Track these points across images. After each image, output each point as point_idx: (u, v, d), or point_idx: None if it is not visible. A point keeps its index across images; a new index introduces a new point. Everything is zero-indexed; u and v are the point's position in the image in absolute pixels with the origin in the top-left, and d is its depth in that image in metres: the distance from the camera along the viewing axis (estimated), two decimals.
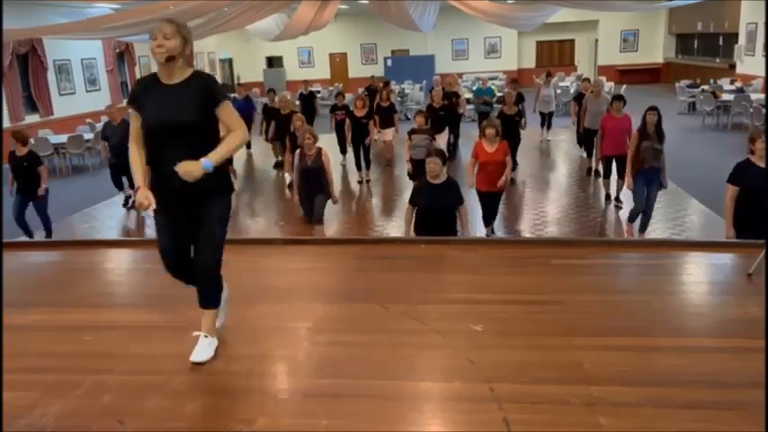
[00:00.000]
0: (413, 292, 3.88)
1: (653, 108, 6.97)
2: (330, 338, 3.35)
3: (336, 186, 7.72)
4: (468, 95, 16.63)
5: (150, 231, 8.30)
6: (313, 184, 6.84)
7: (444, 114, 10.99)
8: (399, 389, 2.80)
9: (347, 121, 10.89)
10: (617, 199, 8.68)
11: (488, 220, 7.34)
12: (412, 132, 8.74)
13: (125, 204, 9.74)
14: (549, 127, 13.86)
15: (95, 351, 3.29)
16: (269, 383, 2.96)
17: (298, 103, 14.79)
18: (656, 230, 7.44)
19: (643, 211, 7.10)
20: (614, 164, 8.37)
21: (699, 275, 4.28)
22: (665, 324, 3.37)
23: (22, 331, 3.53)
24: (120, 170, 9.37)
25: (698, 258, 4.53)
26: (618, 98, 8.38)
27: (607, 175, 8.68)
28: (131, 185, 9.16)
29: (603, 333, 3.26)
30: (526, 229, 7.99)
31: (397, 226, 8.22)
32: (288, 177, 10.12)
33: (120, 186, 9.74)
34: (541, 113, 13.73)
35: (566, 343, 3.14)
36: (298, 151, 6.91)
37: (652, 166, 6.86)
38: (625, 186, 7.24)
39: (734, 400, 2.59)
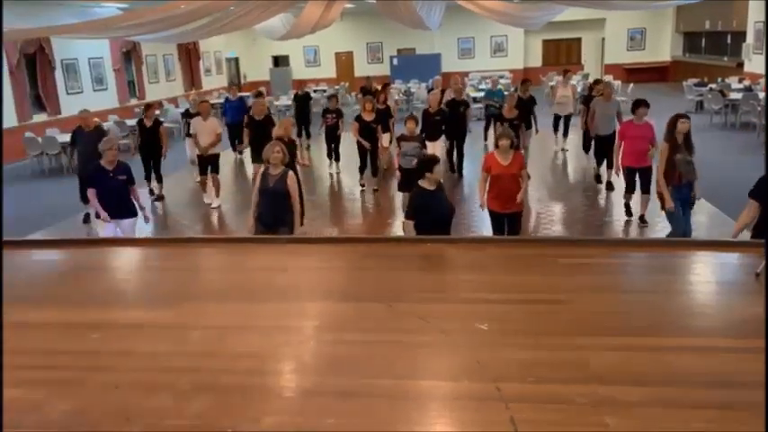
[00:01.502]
0: (418, 291, 3.87)
1: (684, 116, 6.28)
2: (336, 337, 3.35)
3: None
4: (475, 94, 16.60)
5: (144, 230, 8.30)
6: (273, 210, 5.86)
7: (440, 120, 10.28)
8: (405, 388, 2.80)
9: (341, 125, 10.63)
10: (642, 218, 7.95)
11: None
12: (401, 139, 8.25)
13: (86, 220, 8.93)
14: (565, 133, 12.68)
15: (102, 349, 3.29)
16: (275, 382, 2.96)
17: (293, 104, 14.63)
18: (663, 229, 7.40)
19: (683, 233, 6.41)
20: (637, 177, 7.80)
21: (706, 275, 4.26)
22: (673, 323, 3.35)
23: (27, 329, 3.55)
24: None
25: (705, 258, 4.50)
26: (642, 104, 7.61)
27: (631, 189, 7.96)
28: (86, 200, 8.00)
29: (610, 332, 3.25)
30: (533, 229, 7.97)
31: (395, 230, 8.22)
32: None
33: (86, 200, 8.31)
34: (556, 116, 12.66)
35: (573, 342, 3.13)
36: (262, 168, 6.02)
37: (689, 181, 6.27)
38: (664, 209, 6.53)
39: (743, 401, 2.57)
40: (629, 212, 8.14)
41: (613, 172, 8.42)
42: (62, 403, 2.75)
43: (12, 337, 3.20)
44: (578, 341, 3.14)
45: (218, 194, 10.04)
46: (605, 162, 9.72)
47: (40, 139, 13.67)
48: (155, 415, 2.66)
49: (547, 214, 8.57)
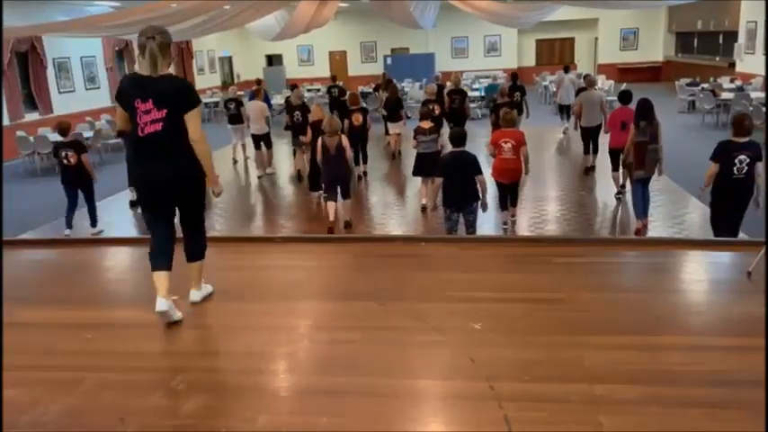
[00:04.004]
0: (413, 290, 3.88)
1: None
2: (330, 336, 3.36)
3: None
4: (469, 93, 16.70)
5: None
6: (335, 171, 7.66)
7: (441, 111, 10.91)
8: (399, 387, 2.80)
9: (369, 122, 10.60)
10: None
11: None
12: (418, 132, 8.55)
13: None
14: (568, 117, 13.43)
15: (97, 349, 3.29)
16: (269, 381, 2.96)
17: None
18: (656, 228, 7.44)
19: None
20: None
21: (699, 273, 4.28)
22: (666, 322, 3.37)
23: (24, 328, 3.54)
24: None
25: (698, 257, 4.53)
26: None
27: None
28: None
29: (605, 331, 3.26)
30: (526, 228, 7.98)
31: (396, 225, 8.23)
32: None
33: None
34: (560, 106, 14.16)
35: (567, 341, 3.14)
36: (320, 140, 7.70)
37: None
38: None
39: (736, 399, 2.59)
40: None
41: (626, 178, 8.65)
42: (57, 403, 2.74)
43: (8, 337, 3.19)
44: (573, 340, 3.16)
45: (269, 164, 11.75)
46: (591, 149, 10.32)
47: (32, 138, 13.59)
48: (149, 414, 2.66)
49: (540, 212, 8.57)
